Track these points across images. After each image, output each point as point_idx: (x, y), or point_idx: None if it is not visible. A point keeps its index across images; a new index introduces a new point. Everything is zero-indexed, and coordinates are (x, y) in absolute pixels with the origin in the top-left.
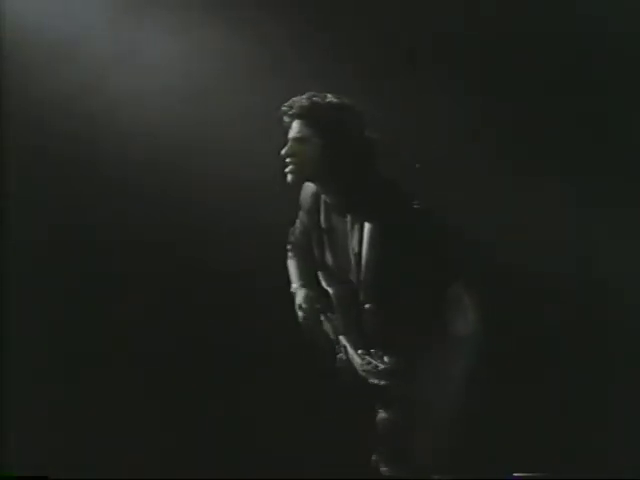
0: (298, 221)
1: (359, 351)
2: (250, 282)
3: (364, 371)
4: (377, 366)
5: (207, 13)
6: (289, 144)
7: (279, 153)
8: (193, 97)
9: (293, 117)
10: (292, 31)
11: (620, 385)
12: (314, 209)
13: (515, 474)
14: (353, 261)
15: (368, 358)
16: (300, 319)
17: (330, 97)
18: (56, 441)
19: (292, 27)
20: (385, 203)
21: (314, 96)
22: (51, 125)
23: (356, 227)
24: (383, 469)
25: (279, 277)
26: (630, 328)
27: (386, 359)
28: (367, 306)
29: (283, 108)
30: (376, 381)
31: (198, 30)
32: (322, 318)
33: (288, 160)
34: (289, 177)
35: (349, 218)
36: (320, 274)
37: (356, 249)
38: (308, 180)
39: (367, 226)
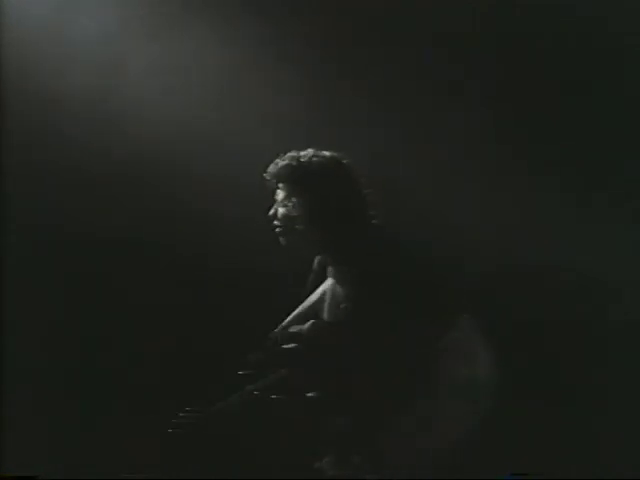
0: None
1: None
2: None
3: None
4: None
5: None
6: (274, 206)
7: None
8: (195, 99)
9: (272, 181)
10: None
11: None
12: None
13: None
14: (342, 314)
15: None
16: None
17: (311, 155)
18: (47, 441)
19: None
20: (373, 256)
21: (293, 158)
22: (53, 126)
23: (345, 279)
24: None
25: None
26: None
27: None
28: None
29: (265, 173)
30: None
31: (198, 31)
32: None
33: (275, 222)
34: (280, 240)
35: (338, 270)
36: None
37: (344, 302)
38: (299, 240)
39: (356, 279)
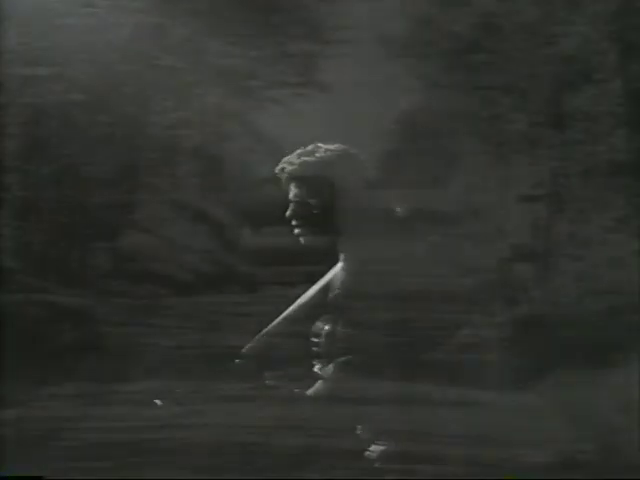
0: None
1: None
2: None
3: None
4: None
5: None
6: (290, 206)
7: None
8: (195, 98)
9: (287, 180)
10: None
11: None
12: None
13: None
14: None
15: None
16: None
17: (321, 151)
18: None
19: None
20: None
21: (303, 154)
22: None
23: (350, 267)
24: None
25: None
26: None
27: None
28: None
29: (276, 171)
30: None
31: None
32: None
33: (293, 223)
34: (301, 240)
35: (347, 257)
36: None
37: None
38: (320, 237)
39: (359, 266)
